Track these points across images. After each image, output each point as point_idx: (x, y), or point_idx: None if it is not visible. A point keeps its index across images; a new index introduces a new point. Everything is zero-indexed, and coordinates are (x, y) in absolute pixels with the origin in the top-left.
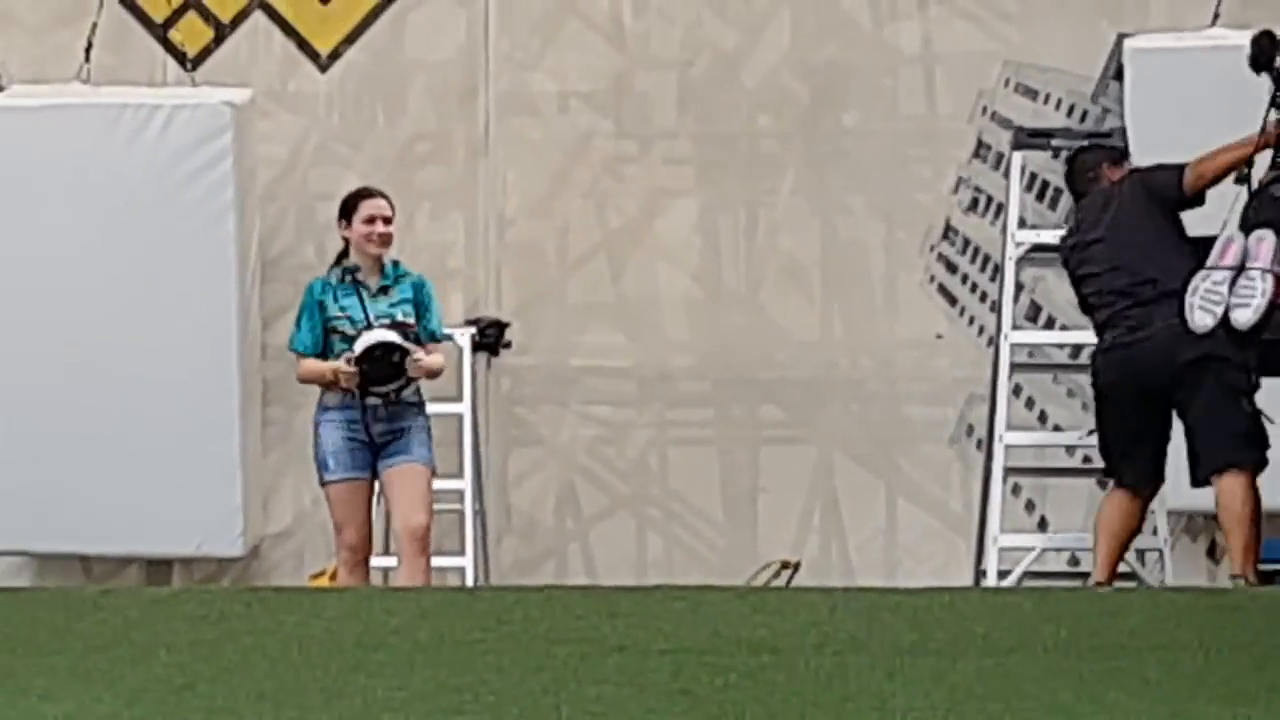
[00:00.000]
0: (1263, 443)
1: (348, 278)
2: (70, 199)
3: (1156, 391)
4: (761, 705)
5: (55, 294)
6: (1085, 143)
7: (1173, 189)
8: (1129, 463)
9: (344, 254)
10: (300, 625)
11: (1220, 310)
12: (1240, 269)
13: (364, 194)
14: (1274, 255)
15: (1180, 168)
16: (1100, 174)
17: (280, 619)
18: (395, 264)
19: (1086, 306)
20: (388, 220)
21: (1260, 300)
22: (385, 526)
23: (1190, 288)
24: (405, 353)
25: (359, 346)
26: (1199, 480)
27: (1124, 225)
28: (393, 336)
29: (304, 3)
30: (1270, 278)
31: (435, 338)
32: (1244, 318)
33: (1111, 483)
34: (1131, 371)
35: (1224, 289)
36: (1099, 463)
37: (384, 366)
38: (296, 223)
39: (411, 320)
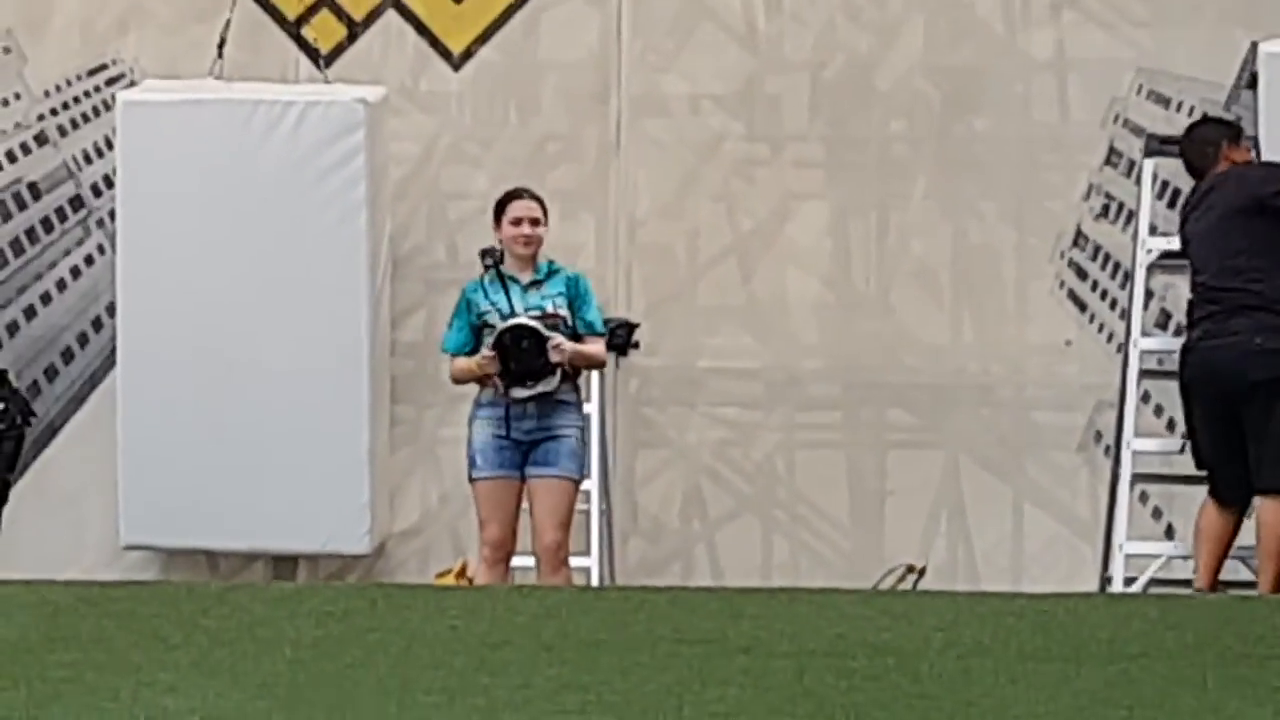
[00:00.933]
0: None
1: (496, 276)
2: (203, 195)
3: (1228, 401)
4: (885, 709)
5: (187, 289)
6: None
7: None
8: (1215, 473)
9: (492, 252)
10: (424, 623)
11: None
12: None
13: (514, 195)
14: None
15: None
16: (1220, 153)
17: (404, 617)
18: (550, 262)
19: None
20: (535, 222)
21: None
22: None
23: None
24: (543, 337)
25: (511, 324)
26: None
27: (1220, 224)
28: (528, 321)
29: (437, 1)
30: None
31: (593, 330)
32: None
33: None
34: (1207, 376)
35: None
36: None
37: (524, 353)
38: (428, 221)
39: (563, 311)
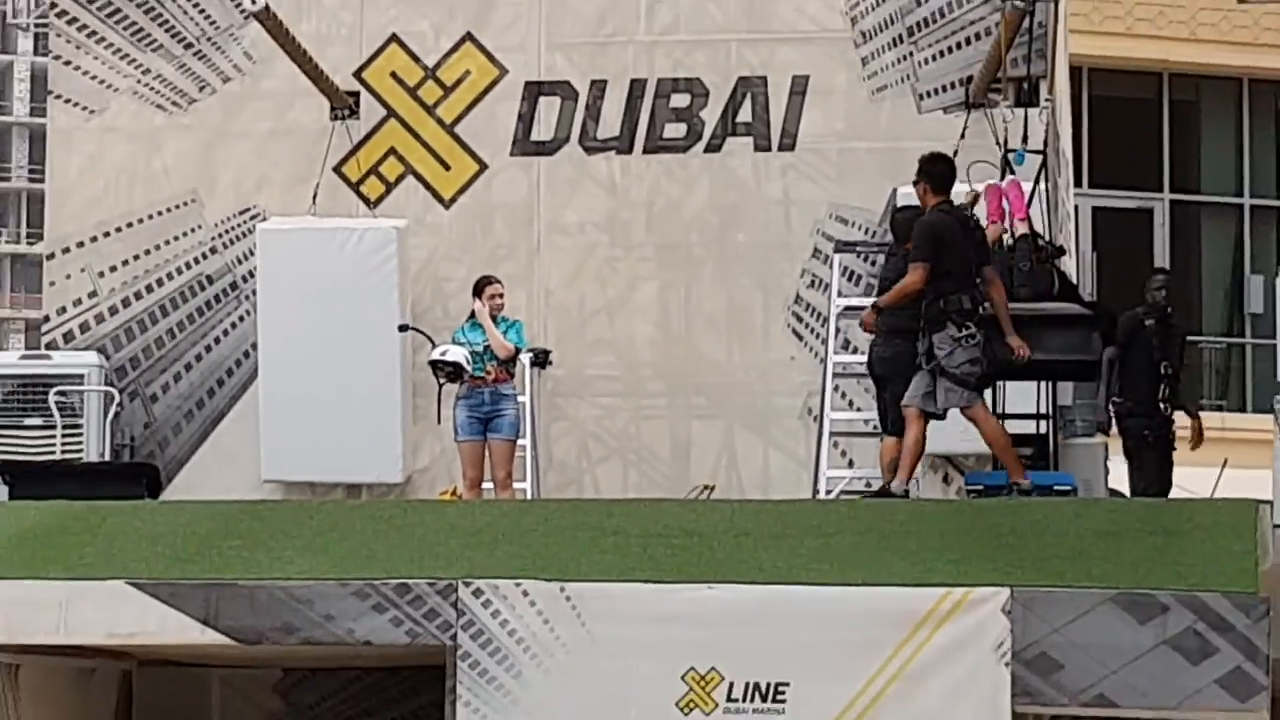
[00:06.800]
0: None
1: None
2: (306, 279)
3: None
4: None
5: (298, 331)
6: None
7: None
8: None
9: (473, 314)
10: (436, 517)
11: None
12: None
13: (489, 280)
14: None
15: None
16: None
17: (423, 516)
18: (504, 317)
19: None
20: (501, 295)
21: None
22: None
23: None
24: (458, 370)
25: (431, 358)
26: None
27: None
28: (448, 359)
29: (436, 170)
30: None
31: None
32: None
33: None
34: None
35: None
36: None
37: (443, 373)
38: (430, 292)
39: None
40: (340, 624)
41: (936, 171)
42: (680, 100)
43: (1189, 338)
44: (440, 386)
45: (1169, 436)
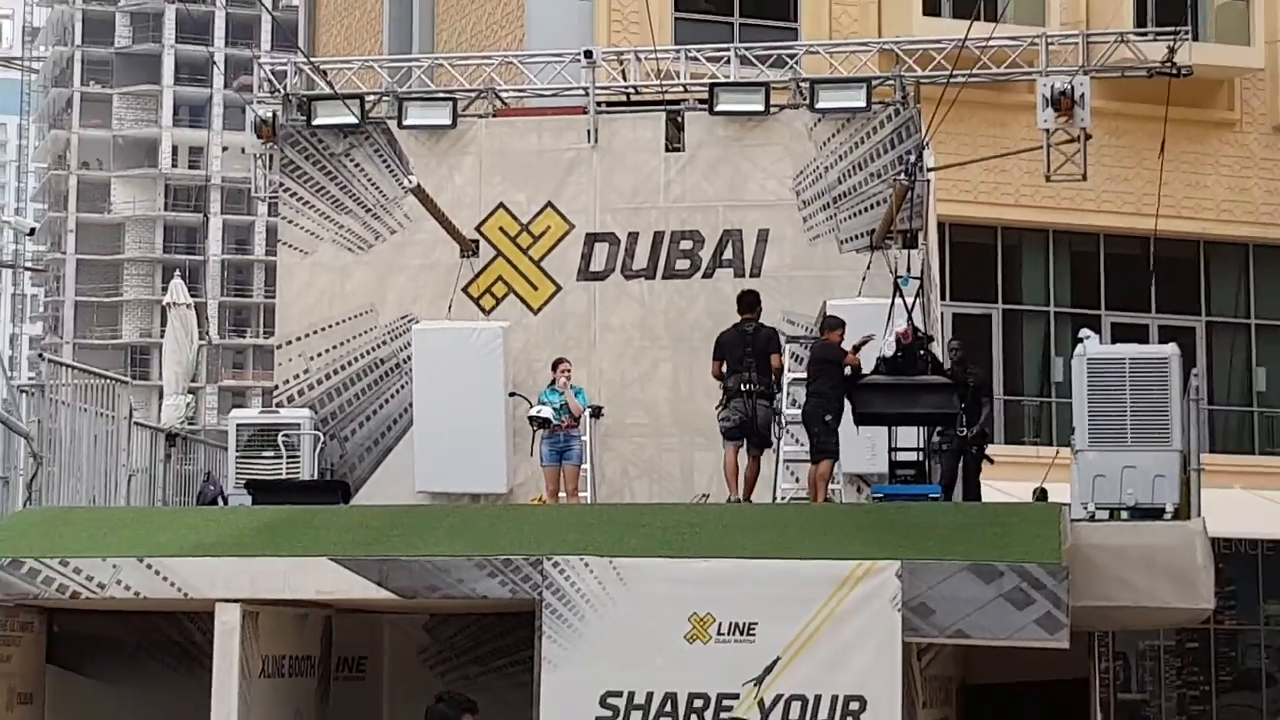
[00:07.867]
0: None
1: (551, 388)
2: (447, 361)
3: None
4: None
5: (441, 395)
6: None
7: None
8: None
9: (554, 381)
10: (530, 516)
11: None
12: None
13: (562, 360)
14: None
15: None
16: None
17: (521, 512)
18: (574, 385)
19: None
20: (570, 372)
21: None
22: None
23: None
24: (546, 422)
25: (529, 414)
26: None
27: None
28: (541, 415)
29: (529, 290)
30: None
31: (580, 402)
32: None
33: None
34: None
35: None
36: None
37: (538, 423)
38: (525, 369)
39: (573, 400)
40: (467, 585)
41: (746, 301)
42: (686, 244)
43: (1015, 396)
44: (534, 431)
45: (966, 455)
